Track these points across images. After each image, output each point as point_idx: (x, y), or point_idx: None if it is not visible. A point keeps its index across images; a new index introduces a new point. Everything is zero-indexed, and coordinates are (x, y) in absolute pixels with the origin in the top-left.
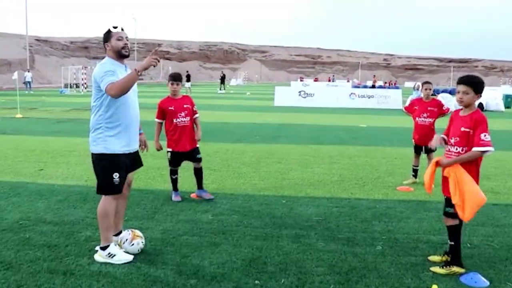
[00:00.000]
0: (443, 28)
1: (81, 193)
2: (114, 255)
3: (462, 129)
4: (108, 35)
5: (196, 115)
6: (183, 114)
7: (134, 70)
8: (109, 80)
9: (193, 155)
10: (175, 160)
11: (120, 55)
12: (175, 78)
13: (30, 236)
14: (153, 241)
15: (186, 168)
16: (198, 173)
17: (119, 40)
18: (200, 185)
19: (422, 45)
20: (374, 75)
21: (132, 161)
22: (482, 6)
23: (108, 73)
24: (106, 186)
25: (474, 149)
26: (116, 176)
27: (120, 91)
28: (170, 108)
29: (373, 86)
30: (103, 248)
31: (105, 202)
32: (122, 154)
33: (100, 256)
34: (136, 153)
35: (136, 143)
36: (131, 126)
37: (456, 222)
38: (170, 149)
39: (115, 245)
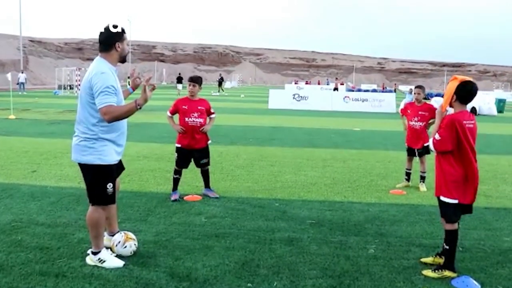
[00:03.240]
0: (437, 32)
1: (74, 195)
2: (105, 261)
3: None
4: (122, 35)
5: (212, 115)
6: (196, 114)
7: (134, 102)
8: (108, 102)
9: (198, 158)
10: (181, 159)
11: (123, 60)
12: (192, 79)
13: (22, 238)
14: (145, 244)
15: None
16: (204, 174)
17: (127, 45)
18: (207, 185)
19: (416, 49)
20: (337, 78)
21: (118, 167)
22: (476, 11)
23: (109, 90)
24: (99, 197)
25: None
26: (110, 186)
27: (115, 119)
28: (184, 107)
29: (336, 89)
30: (94, 253)
31: (95, 212)
32: (114, 164)
33: (91, 260)
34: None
35: (122, 151)
36: (124, 134)
37: (454, 227)
38: (179, 145)
39: (107, 249)
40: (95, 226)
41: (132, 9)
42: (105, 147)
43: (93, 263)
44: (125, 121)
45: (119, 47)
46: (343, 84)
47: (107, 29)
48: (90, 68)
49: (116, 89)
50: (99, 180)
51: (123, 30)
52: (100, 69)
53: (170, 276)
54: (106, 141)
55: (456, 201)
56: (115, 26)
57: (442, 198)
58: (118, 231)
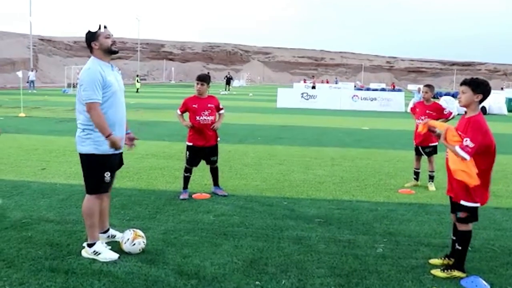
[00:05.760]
0: (446, 31)
1: (83, 192)
2: (100, 253)
3: (459, 132)
4: (94, 34)
5: (221, 111)
6: (206, 113)
7: (110, 133)
8: (93, 98)
9: (209, 155)
10: (192, 157)
11: (110, 52)
12: (199, 78)
13: (32, 235)
14: (154, 241)
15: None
16: (214, 172)
17: (107, 38)
18: (215, 183)
19: (426, 48)
20: (313, 76)
21: (118, 161)
22: (486, 9)
23: (97, 85)
24: (97, 185)
25: (456, 147)
26: (107, 175)
27: (93, 119)
28: (194, 106)
29: (313, 87)
30: (90, 245)
31: (90, 201)
32: (111, 154)
33: (86, 253)
34: (121, 153)
35: (123, 143)
36: (120, 126)
37: (469, 228)
38: (191, 143)
39: (102, 242)
40: (90, 215)
41: (141, 8)
42: (101, 137)
43: (88, 256)
44: (119, 113)
45: (95, 44)
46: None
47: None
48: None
49: (104, 82)
50: (97, 169)
51: (95, 29)
52: (87, 66)
53: (178, 274)
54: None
55: (478, 204)
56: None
57: (466, 203)
58: (109, 228)
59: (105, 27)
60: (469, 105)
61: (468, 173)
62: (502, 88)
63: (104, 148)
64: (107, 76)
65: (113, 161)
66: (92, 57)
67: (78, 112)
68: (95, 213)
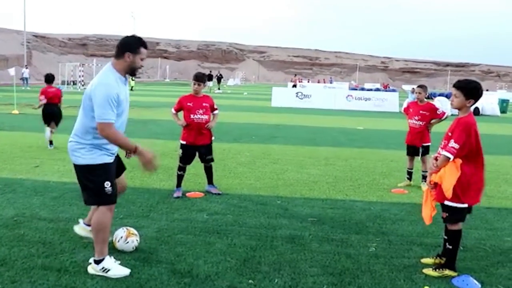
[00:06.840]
0: (441, 32)
1: (76, 190)
2: (109, 270)
3: (448, 132)
4: (137, 48)
5: (216, 111)
6: (201, 111)
7: (135, 147)
8: (108, 119)
9: (204, 154)
10: (185, 156)
11: (131, 73)
12: (196, 78)
13: (24, 233)
14: (147, 240)
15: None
16: (208, 170)
17: (141, 59)
18: (210, 181)
19: (420, 49)
20: (296, 74)
21: (117, 166)
22: (481, 10)
23: (112, 104)
24: (99, 197)
25: (440, 150)
26: (107, 185)
27: (109, 140)
28: (188, 104)
29: (294, 86)
30: (97, 262)
31: (100, 214)
32: (108, 163)
33: (93, 270)
34: (118, 156)
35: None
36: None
37: (459, 227)
38: (184, 142)
39: (111, 257)
40: (102, 229)
41: (136, 5)
42: (95, 150)
43: (96, 273)
44: (122, 129)
45: (129, 57)
46: (301, 81)
47: (128, 35)
48: (96, 77)
49: (118, 100)
50: (96, 180)
51: (141, 44)
52: (103, 80)
53: (171, 272)
54: (97, 146)
55: (466, 205)
56: (134, 36)
57: (452, 204)
58: None
59: (147, 47)
60: (461, 108)
61: (444, 175)
62: (487, 90)
63: (102, 157)
64: (120, 95)
65: (111, 169)
66: (111, 66)
67: (76, 124)
68: (106, 227)
